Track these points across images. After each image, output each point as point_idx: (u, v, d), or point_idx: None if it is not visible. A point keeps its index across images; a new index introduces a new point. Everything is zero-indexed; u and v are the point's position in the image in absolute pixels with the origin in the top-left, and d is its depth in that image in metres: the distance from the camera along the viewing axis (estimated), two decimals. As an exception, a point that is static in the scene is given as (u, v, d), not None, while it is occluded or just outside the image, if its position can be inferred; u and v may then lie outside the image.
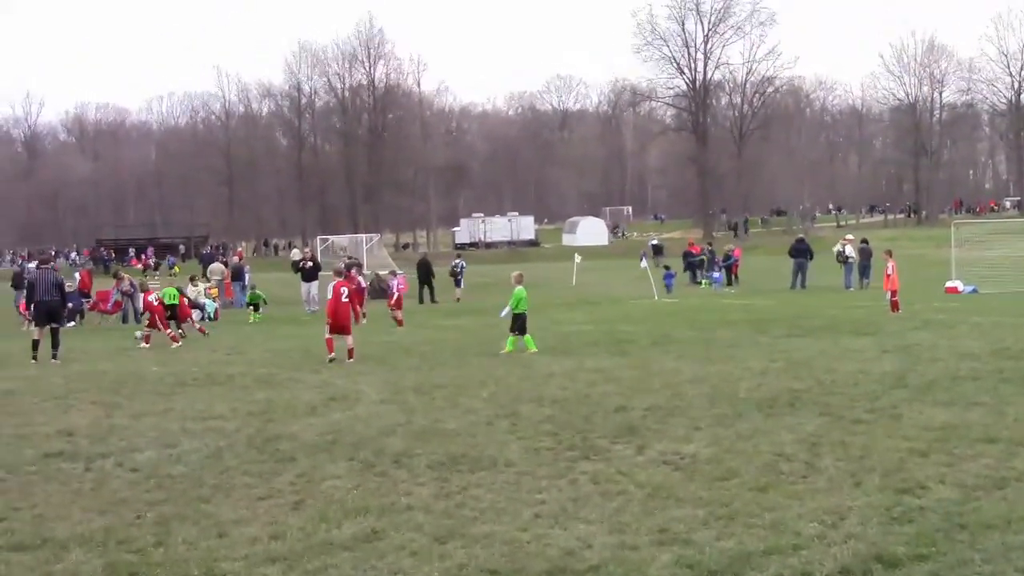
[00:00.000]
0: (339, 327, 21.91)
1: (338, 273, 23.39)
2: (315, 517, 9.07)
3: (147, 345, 26.70)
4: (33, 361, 23.24)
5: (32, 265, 45.71)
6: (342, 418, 14.37)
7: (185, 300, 30.68)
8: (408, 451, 11.74)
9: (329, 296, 22.17)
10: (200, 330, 30.22)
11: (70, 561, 8.04)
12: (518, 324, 22.51)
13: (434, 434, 12.79)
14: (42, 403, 16.93)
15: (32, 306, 24.82)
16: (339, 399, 16.24)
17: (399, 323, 30.61)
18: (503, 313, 23.37)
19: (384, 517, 9.00)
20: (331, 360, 21.31)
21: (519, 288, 22.94)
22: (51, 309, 24.09)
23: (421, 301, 44.16)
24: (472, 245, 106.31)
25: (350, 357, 21.48)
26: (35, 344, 23.79)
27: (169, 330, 27.45)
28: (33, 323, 25.09)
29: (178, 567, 7.80)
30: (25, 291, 27.73)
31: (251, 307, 38.60)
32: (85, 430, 14.00)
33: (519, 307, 22.63)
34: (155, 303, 27.75)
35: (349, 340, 21.89)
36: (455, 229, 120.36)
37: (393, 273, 35.41)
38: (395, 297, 32.42)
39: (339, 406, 15.54)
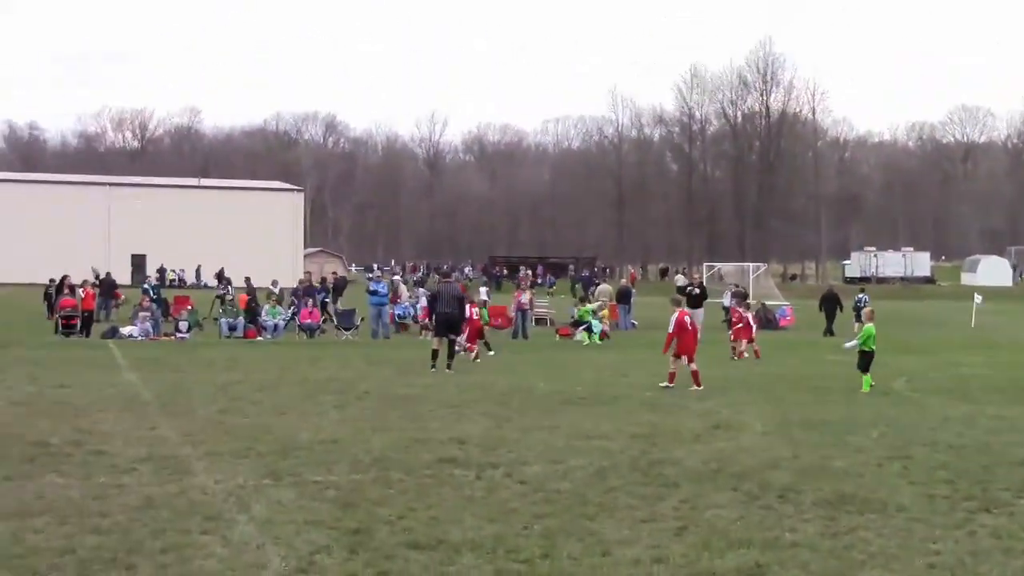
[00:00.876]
0: (683, 353, 22.14)
1: (676, 303, 23.56)
2: (698, 545, 9.00)
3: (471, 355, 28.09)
4: (431, 370, 24.43)
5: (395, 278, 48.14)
6: (726, 447, 14.23)
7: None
8: (794, 486, 11.46)
9: (671, 328, 22.43)
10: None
11: (462, 564, 8.35)
12: (864, 361, 21.70)
13: (821, 471, 12.43)
14: (437, 410, 17.76)
15: (434, 316, 26.09)
16: (723, 428, 16.11)
17: (740, 355, 29.52)
18: (847, 345, 23.02)
19: (768, 551, 8.81)
20: (664, 386, 21.70)
21: (869, 325, 22.22)
22: (451, 320, 25.26)
23: (825, 334, 42.99)
24: (863, 279, 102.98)
25: (696, 384, 21.62)
26: (434, 354, 24.98)
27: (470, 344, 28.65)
28: (433, 333, 26.36)
29: (563, 581, 7.94)
30: (427, 302, 29.12)
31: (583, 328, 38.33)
32: (476, 439, 14.55)
33: (867, 344, 21.81)
34: (475, 317, 28.79)
35: (693, 366, 21.93)
36: (845, 262, 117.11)
37: (747, 305, 34.62)
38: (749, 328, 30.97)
39: (723, 435, 15.41)
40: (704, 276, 62.94)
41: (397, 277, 51.83)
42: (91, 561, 8.24)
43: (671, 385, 21.71)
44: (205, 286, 76.52)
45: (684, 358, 22.16)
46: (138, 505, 10.12)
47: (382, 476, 11.80)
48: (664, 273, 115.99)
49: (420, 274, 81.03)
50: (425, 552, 8.66)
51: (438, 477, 11.81)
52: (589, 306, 40.05)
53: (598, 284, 52.52)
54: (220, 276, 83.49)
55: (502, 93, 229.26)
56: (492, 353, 29.29)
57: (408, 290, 47.47)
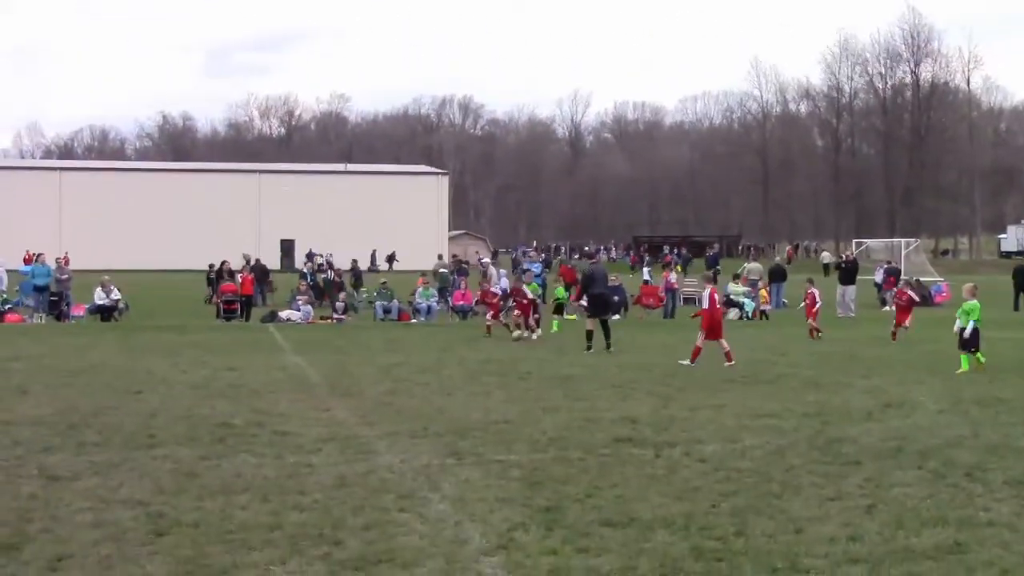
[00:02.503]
0: (713, 333, 22.14)
1: (708, 280, 23.78)
2: (891, 523, 8.95)
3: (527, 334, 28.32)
4: (588, 351, 24.53)
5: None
6: (902, 425, 14.06)
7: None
8: (981, 465, 11.29)
9: (705, 304, 22.47)
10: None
11: (657, 541, 8.44)
12: (974, 340, 20.66)
13: (1006, 449, 12.23)
14: (602, 390, 17.87)
15: (588, 298, 26.16)
16: (895, 406, 15.90)
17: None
18: (964, 329, 20.95)
19: (964, 530, 8.72)
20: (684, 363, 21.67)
21: (973, 301, 21.03)
22: (606, 301, 25.33)
23: (1015, 308, 41.85)
24: (1020, 253, 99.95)
25: (728, 360, 21.61)
26: (589, 334, 25.09)
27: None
28: (588, 314, 26.45)
29: (761, 558, 7.97)
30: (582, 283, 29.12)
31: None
32: (647, 418, 14.63)
33: (972, 317, 20.74)
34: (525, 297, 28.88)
35: (724, 344, 21.94)
36: (1001, 236, 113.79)
37: (908, 283, 33.54)
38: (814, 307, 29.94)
39: (896, 413, 15.22)
40: (854, 252, 61.74)
41: (487, 260, 51.62)
42: (299, 537, 8.55)
43: (732, 363, 21.56)
44: (371, 269, 77.72)
45: (702, 335, 22.15)
46: (332, 484, 10.44)
47: (562, 455, 11.96)
48: (796, 249, 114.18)
49: (543, 256, 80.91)
50: (619, 529, 8.78)
51: (617, 456, 11.92)
52: (739, 287, 39.74)
53: (750, 261, 51.87)
54: (373, 259, 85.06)
55: (639, 71, 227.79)
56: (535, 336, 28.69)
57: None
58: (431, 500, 9.80)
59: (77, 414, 14.93)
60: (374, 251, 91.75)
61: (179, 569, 7.74)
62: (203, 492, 10.09)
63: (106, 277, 38.89)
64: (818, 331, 28.81)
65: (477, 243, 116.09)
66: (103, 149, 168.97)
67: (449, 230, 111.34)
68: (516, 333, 28.19)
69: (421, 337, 29.67)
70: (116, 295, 36.98)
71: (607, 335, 25.01)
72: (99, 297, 36.76)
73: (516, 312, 28.86)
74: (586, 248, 67.35)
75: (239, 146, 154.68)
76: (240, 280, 38.21)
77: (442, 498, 9.88)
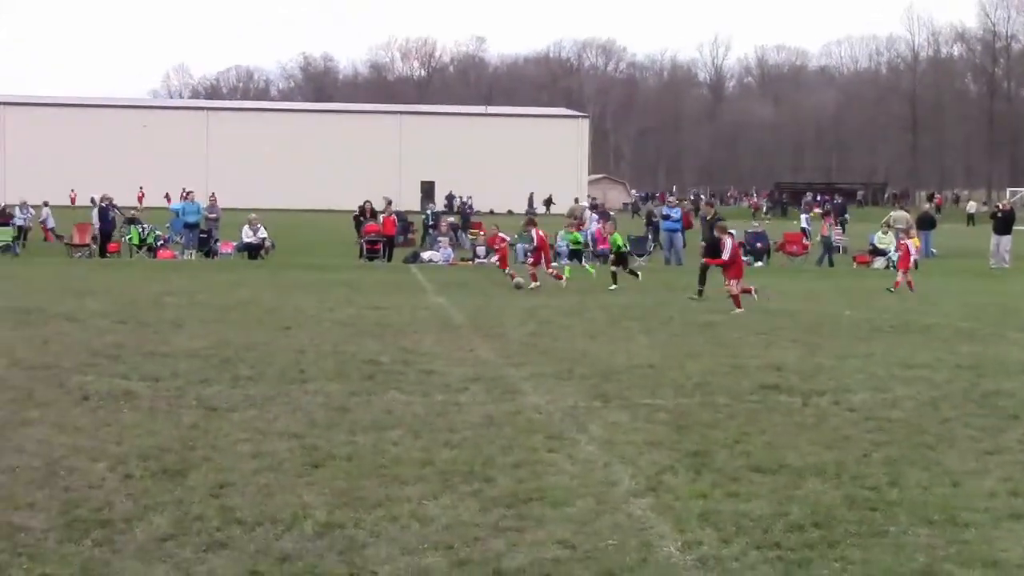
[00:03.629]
0: (732, 278, 21.79)
1: (724, 230, 22.88)
2: (1053, 479, 8.71)
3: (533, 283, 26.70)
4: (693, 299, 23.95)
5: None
6: (1061, 380, 13.63)
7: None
8: None
9: (725, 255, 22.02)
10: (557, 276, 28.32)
11: (808, 489, 8.36)
12: None
13: None
14: (746, 337, 17.68)
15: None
16: (1054, 360, 15.42)
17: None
18: None
19: None
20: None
21: None
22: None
23: None
24: None
25: (737, 306, 21.28)
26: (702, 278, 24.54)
27: (551, 268, 27.93)
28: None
29: (916, 509, 7.84)
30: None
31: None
32: (793, 366, 14.44)
33: None
34: (543, 239, 28.02)
35: (735, 289, 21.55)
36: None
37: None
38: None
39: (1055, 367, 14.76)
40: (1009, 201, 59.80)
41: (584, 204, 50.89)
42: (450, 473, 8.68)
43: (740, 309, 21.17)
44: (528, 212, 77.93)
45: (733, 282, 21.74)
46: (480, 422, 10.57)
47: (708, 401, 11.90)
48: (930, 199, 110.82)
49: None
50: (768, 475, 8.72)
51: (765, 403, 11.82)
52: (886, 235, 38.88)
53: (895, 209, 50.67)
54: (530, 203, 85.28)
55: (782, 13, 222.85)
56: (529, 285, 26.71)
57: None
58: (579, 441, 9.85)
59: (230, 348, 15.34)
60: (531, 194, 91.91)
61: (335, 500, 7.92)
62: (355, 427, 10.30)
63: (253, 215, 39.78)
64: (910, 284, 27.26)
65: (616, 187, 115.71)
66: (248, 89, 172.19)
67: (589, 174, 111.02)
68: (517, 280, 26.90)
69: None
70: (263, 233, 37.81)
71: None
72: (246, 235, 37.63)
73: (530, 260, 28.24)
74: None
75: (380, 87, 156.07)
76: (382, 221, 38.69)
77: (590, 439, 9.92)
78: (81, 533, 7.15)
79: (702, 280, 24.22)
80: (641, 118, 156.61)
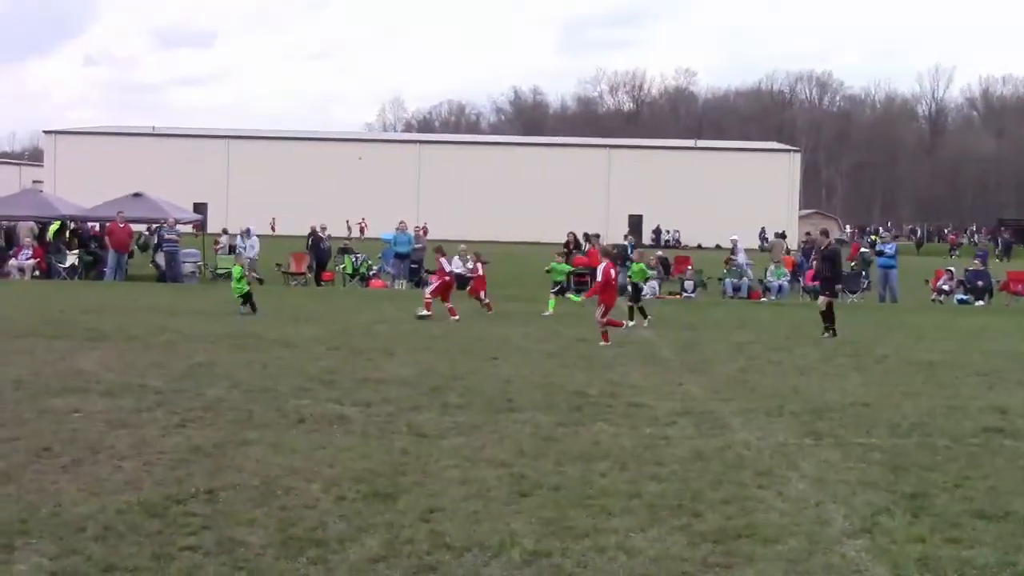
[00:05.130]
0: (604, 304, 21.05)
1: (606, 254, 22.71)
2: None
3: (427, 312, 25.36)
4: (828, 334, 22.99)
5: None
6: None
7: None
8: None
9: (599, 278, 21.36)
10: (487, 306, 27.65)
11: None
12: None
13: None
14: (965, 377, 17.03)
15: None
16: None
17: None
18: None
19: None
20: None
21: None
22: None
23: None
24: None
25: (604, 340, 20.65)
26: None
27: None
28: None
29: None
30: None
31: None
32: (1018, 410, 13.81)
33: None
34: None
35: (603, 319, 20.93)
36: None
37: None
38: None
39: None
40: None
41: (735, 237, 48.86)
42: (658, 507, 8.60)
43: (607, 343, 20.51)
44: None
45: (602, 308, 21.00)
46: (688, 456, 10.44)
47: (926, 442, 11.47)
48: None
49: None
50: (993, 522, 8.34)
51: (987, 446, 11.32)
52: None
53: None
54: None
55: (1008, 42, 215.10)
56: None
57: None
58: (790, 479, 9.63)
59: (439, 376, 15.60)
60: (763, 228, 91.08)
61: (543, 529, 7.93)
62: (562, 457, 10.31)
63: (463, 247, 40.38)
64: None
65: (828, 222, 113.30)
66: (459, 123, 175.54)
67: (800, 208, 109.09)
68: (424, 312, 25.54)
69: (772, 315, 29.20)
70: (471, 264, 38.33)
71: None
72: (456, 266, 38.22)
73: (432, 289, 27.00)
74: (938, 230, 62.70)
75: (588, 120, 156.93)
76: (588, 252, 38.79)
77: (801, 477, 9.69)
78: (297, 551, 7.35)
79: (828, 318, 23.28)
80: (855, 152, 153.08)
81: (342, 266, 39.48)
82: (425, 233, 41.67)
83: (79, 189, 69.31)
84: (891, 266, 36.38)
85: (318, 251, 39.25)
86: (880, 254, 37.25)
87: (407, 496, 8.78)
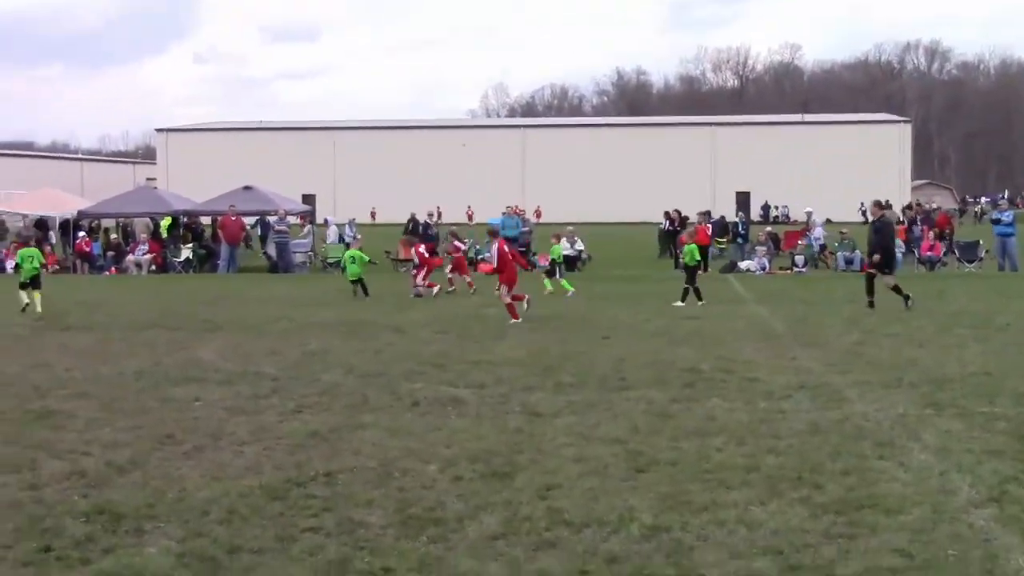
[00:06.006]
0: (505, 283, 21.07)
1: (493, 234, 22.55)
2: None
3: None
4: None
5: None
6: None
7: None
8: None
9: (493, 261, 21.43)
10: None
11: None
12: None
13: None
14: (1092, 344, 16.55)
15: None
16: None
17: None
18: None
19: None
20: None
21: None
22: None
23: None
24: None
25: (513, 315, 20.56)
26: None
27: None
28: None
29: None
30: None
31: None
32: None
33: None
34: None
35: (507, 298, 20.85)
36: None
37: None
38: None
39: None
40: None
41: (809, 209, 47.45)
42: (777, 479, 8.50)
43: (516, 320, 20.33)
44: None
45: (504, 287, 20.82)
46: (806, 429, 10.30)
47: (1053, 410, 11.18)
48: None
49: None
50: None
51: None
52: None
53: None
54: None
55: None
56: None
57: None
58: (911, 449, 9.45)
59: (550, 357, 15.61)
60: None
61: (661, 504, 7.88)
62: (677, 433, 10.25)
63: (570, 228, 40.39)
64: None
65: (942, 193, 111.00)
66: (562, 106, 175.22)
67: (912, 180, 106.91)
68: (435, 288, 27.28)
69: (885, 288, 28.61)
70: (580, 245, 38.32)
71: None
72: (564, 248, 38.23)
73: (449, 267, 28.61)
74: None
75: (692, 99, 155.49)
76: (696, 231, 38.48)
77: (923, 448, 9.49)
78: (416, 530, 7.41)
79: (870, 290, 22.80)
80: (968, 120, 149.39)
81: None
82: (539, 216, 41.64)
83: (191, 184, 70.78)
84: (1009, 234, 35.39)
85: (425, 236, 39.53)
86: (997, 222, 36.29)
87: (523, 474, 8.80)
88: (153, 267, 38.76)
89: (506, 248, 21.97)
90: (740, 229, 43.85)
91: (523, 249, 39.28)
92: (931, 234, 38.35)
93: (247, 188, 43.14)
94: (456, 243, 31.30)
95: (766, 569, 6.51)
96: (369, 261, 28.84)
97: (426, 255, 28.26)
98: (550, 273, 28.72)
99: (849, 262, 36.13)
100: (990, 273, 34.24)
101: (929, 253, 36.30)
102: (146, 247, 39.38)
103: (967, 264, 35.66)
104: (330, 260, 38.99)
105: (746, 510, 7.69)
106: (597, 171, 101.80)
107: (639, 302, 24.59)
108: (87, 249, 40.74)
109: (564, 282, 27.55)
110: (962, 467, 8.75)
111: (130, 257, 39.41)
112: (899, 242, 36.13)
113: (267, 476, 8.91)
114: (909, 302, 22.14)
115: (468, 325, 20.18)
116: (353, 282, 26.67)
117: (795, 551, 6.81)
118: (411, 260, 39.02)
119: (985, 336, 17.78)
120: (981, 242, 37.26)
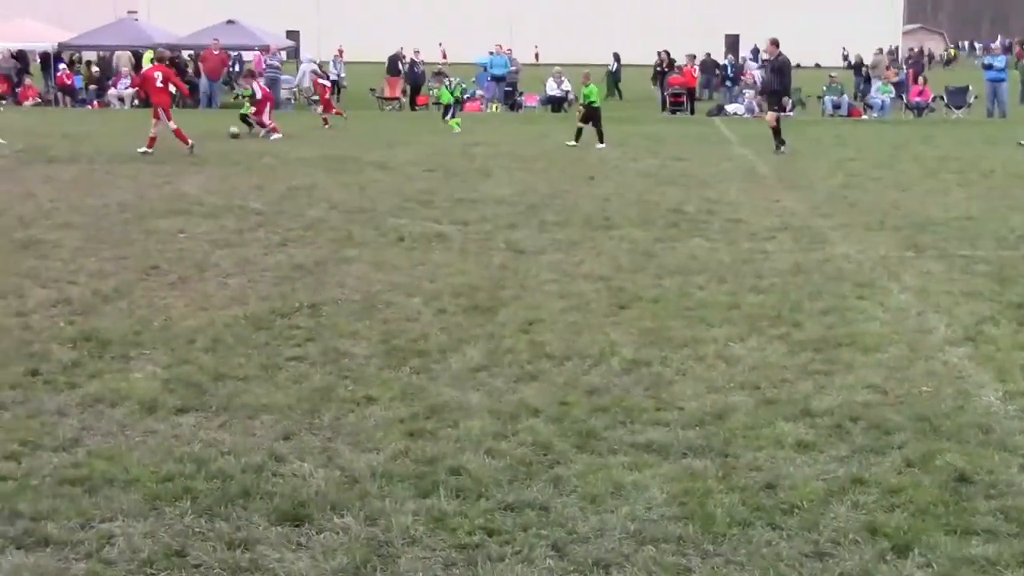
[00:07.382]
0: (158, 105, 21.52)
1: (160, 59, 23.23)
2: None
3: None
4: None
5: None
6: None
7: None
8: None
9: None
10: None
11: None
12: None
13: None
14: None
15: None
16: None
17: None
18: None
19: None
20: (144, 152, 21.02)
21: None
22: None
23: None
24: None
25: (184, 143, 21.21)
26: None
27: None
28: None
29: None
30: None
31: None
32: None
33: None
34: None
35: (172, 125, 21.40)
36: None
37: None
38: None
39: None
40: None
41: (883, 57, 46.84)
42: (757, 317, 8.61)
43: (150, 150, 20.92)
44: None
45: (161, 113, 21.46)
46: (788, 269, 10.40)
47: (1034, 253, 11.28)
48: None
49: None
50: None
51: (1097, 256, 11.11)
52: None
53: None
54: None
55: None
56: None
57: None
58: (891, 290, 9.56)
59: (536, 195, 15.61)
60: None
61: (641, 339, 8.00)
62: (660, 271, 10.34)
63: (557, 69, 39.95)
64: None
65: (934, 38, 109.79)
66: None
67: (903, 24, 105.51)
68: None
69: (873, 133, 28.56)
70: (567, 86, 37.93)
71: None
72: (551, 89, 37.88)
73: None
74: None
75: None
76: (683, 72, 38.13)
77: (903, 288, 9.61)
78: (400, 361, 7.51)
79: (777, 133, 22.55)
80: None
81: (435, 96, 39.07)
82: (537, 58, 41.07)
83: (173, 18, 69.41)
84: (1000, 79, 35.09)
85: (412, 75, 39.02)
86: (988, 67, 35.96)
87: (506, 309, 8.89)
88: (135, 101, 38.26)
89: (155, 75, 22.16)
90: (728, 72, 43.49)
91: (509, 89, 38.94)
92: (920, 79, 38.00)
93: (230, 22, 42.33)
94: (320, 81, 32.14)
95: (742, 403, 6.64)
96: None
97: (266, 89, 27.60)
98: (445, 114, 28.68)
99: (837, 107, 35.88)
100: (978, 119, 34.09)
101: (917, 99, 36.01)
102: (128, 81, 38.80)
103: (955, 110, 35.44)
104: (314, 98, 38.48)
105: (725, 346, 7.81)
106: (585, 10, 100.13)
107: (627, 143, 24.44)
108: (68, 82, 40.13)
109: (453, 122, 27.63)
110: (940, 307, 8.88)
111: (112, 91, 38.87)
112: (888, 87, 35.97)
113: (252, 307, 8.98)
114: (783, 147, 22.08)
115: (454, 163, 20.09)
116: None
117: (772, 386, 6.94)
118: (397, 99, 38.83)
119: (969, 181, 17.81)
120: (971, 87, 36.96)
